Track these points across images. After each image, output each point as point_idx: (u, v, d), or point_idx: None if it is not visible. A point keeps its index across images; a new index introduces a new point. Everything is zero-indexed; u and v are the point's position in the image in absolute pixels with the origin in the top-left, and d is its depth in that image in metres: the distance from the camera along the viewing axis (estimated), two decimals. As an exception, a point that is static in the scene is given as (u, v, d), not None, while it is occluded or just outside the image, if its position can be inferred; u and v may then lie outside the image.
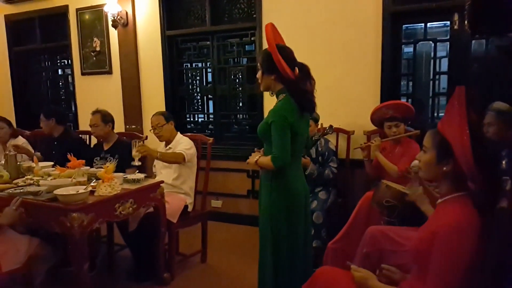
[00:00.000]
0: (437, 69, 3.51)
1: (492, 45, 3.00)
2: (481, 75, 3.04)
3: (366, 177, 3.31)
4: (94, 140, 3.99)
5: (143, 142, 2.87)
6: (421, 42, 3.51)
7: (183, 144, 3.14)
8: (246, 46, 4.26)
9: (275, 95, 2.18)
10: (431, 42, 3.47)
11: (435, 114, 3.59)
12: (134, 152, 2.77)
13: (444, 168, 1.47)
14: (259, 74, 2.16)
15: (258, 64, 2.17)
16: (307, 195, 2.27)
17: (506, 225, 1.42)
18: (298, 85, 2.09)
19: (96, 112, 3.33)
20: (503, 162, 1.86)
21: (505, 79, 2.68)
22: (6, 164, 2.89)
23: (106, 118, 3.33)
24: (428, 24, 3.48)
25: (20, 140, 3.81)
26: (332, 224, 3.09)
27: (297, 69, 2.10)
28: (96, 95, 4.79)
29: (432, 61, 3.52)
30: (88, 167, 2.85)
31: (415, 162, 2.70)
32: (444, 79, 3.53)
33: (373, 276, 1.63)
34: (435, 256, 1.41)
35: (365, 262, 2.24)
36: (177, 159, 3.05)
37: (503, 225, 1.43)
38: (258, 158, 2.16)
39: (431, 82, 3.56)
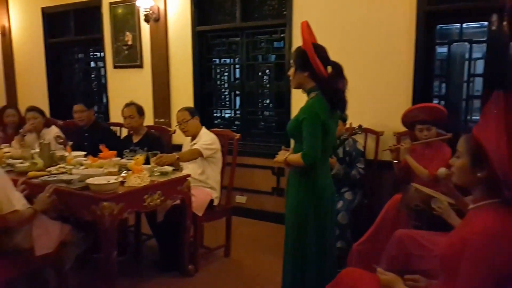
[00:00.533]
0: (472, 71, 3.41)
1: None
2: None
3: (394, 179, 3.26)
4: (124, 133, 4.08)
5: (160, 153, 2.84)
6: (456, 43, 3.42)
7: (202, 139, 3.18)
8: (275, 43, 4.25)
9: (306, 93, 2.17)
10: (466, 43, 3.37)
11: (468, 117, 3.49)
12: (152, 164, 2.76)
13: (478, 174, 1.43)
14: (291, 71, 2.16)
15: (291, 61, 2.17)
16: (333, 194, 2.25)
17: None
18: (331, 83, 2.08)
19: (131, 104, 3.41)
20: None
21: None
22: (41, 152, 3.00)
23: (140, 110, 3.42)
24: (464, 25, 3.38)
25: (54, 130, 3.93)
26: (357, 225, 3.06)
27: (330, 67, 2.09)
28: (127, 88, 4.88)
29: (467, 62, 3.42)
30: (119, 158, 2.93)
31: (442, 169, 2.65)
32: (479, 81, 3.43)
33: (400, 280, 1.61)
34: (464, 264, 1.37)
35: (391, 265, 2.21)
36: (194, 156, 3.09)
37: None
38: (287, 156, 2.16)
39: (465, 84, 3.47)
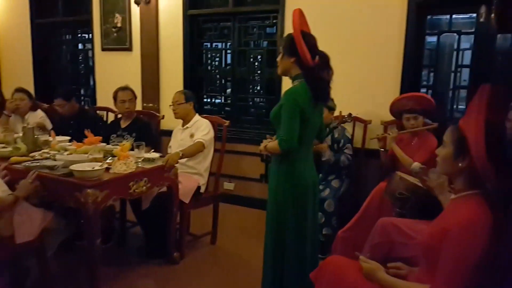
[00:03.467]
0: (460, 62, 3.43)
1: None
2: (505, 70, 2.96)
3: (380, 168, 3.28)
4: (110, 118, 4.04)
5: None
6: (445, 34, 3.42)
7: (201, 129, 3.16)
8: (267, 28, 4.20)
9: (291, 80, 2.16)
10: (455, 34, 3.37)
11: (455, 107, 3.52)
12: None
13: (460, 164, 1.46)
14: (279, 58, 2.16)
15: (280, 48, 2.16)
16: (315, 184, 2.24)
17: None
18: (316, 72, 2.07)
19: (126, 88, 3.37)
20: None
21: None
22: (24, 137, 2.94)
23: (135, 94, 3.40)
24: (453, 16, 3.39)
25: (39, 114, 3.87)
26: (343, 212, 3.09)
27: (317, 57, 2.08)
28: (115, 72, 4.80)
29: (455, 53, 3.43)
30: (104, 144, 2.89)
31: (415, 164, 2.69)
32: (466, 72, 3.45)
33: (381, 268, 1.62)
34: (445, 253, 1.41)
35: (374, 252, 2.24)
36: (198, 150, 3.08)
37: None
38: (268, 143, 2.16)
39: (452, 74, 3.48)
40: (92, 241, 2.32)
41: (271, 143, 2.13)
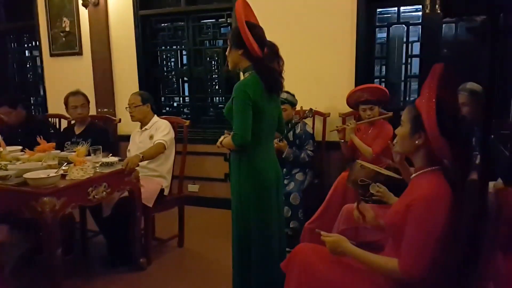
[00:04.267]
0: (410, 53, 3.57)
1: (462, 28, 3.08)
2: (451, 57, 3.12)
3: (341, 158, 3.36)
4: (63, 125, 3.87)
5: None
6: (394, 26, 3.55)
7: (160, 130, 3.08)
8: (222, 28, 4.19)
9: (243, 74, 2.13)
10: (404, 25, 3.51)
11: (407, 98, 3.66)
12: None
13: (417, 142, 1.52)
14: (227, 51, 2.12)
15: (228, 41, 2.12)
16: (279, 178, 2.23)
17: (476, 196, 1.47)
18: (265, 63, 2.06)
19: (78, 92, 3.23)
20: (474, 139, 1.92)
21: (474, 60, 2.74)
22: (-29, 150, 2.77)
23: (87, 98, 3.26)
24: (401, 8, 3.53)
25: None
26: (309, 205, 3.12)
27: (266, 48, 2.07)
28: (65, 77, 4.61)
29: (404, 45, 3.57)
30: (58, 151, 2.76)
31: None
32: (416, 62, 3.59)
33: (344, 239, 1.63)
34: (408, 227, 1.46)
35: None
36: (158, 151, 3.00)
37: (473, 196, 1.48)
38: (223, 138, 2.13)
39: (403, 65, 3.62)
40: (52, 253, 2.21)
41: (226, 139, 2.10)
